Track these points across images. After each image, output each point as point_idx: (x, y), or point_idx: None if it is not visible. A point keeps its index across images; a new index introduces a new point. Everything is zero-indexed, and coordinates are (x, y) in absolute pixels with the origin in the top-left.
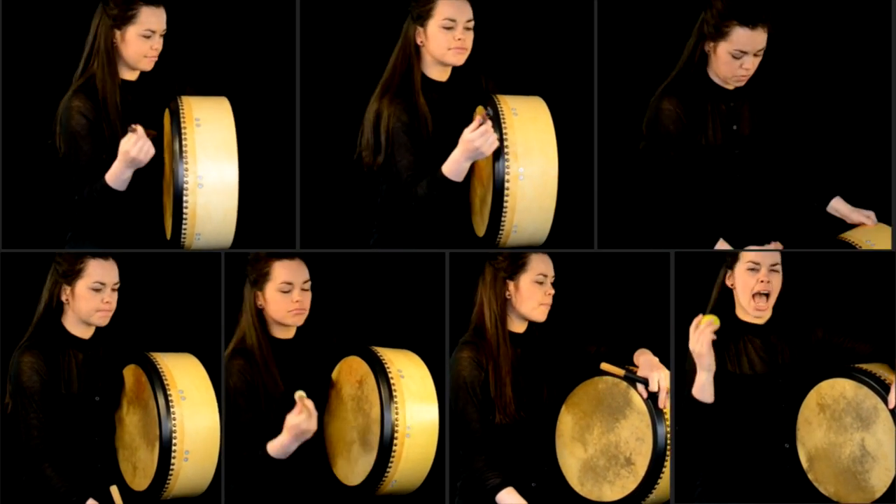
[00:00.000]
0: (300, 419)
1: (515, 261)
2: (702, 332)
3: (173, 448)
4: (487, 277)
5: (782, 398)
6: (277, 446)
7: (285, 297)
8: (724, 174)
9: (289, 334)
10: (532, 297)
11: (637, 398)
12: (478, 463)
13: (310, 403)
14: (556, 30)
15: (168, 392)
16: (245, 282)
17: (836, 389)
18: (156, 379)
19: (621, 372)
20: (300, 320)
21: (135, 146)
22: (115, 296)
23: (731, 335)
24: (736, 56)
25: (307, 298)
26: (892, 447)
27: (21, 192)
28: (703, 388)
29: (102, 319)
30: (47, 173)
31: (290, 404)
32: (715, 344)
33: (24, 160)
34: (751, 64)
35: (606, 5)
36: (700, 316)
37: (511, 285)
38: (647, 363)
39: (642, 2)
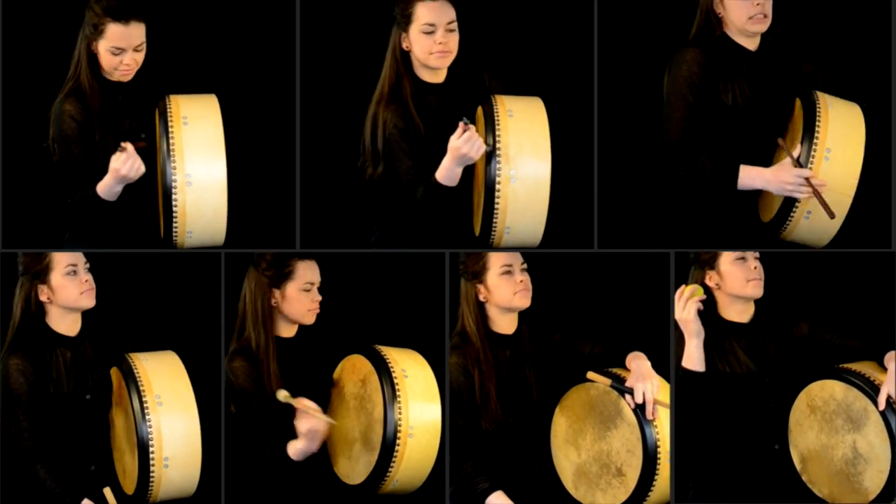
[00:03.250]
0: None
1: (477, 262)
2: (687, 301)
3: (151, 456)
4: (461, 285)
5: (771, 397)
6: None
7: (307, 295)
8: (748, 135)
9: (291, 333)
10: (502, 288)
11: (627, 408)
12: (466, 468)
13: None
14: (556, 30)
15: (144, 398)
16: (249, 279)
17: (826, 391)
18: (132, 384)
19: (607, 381)
20: (314, 319)
21: (125, 165)
22: (90, 275)
23: (717, 336)
24: None
25: (319, 299)
26: (885, 449)
27: (21, 193)
28: (693, 356)
29: (89, 299)
30: (46, 174)
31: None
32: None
33: (23, 161)
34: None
35: (606, 5)
36: (683, 287)
37: (482, 287)
38: (637, 371)
39: (642, 2)
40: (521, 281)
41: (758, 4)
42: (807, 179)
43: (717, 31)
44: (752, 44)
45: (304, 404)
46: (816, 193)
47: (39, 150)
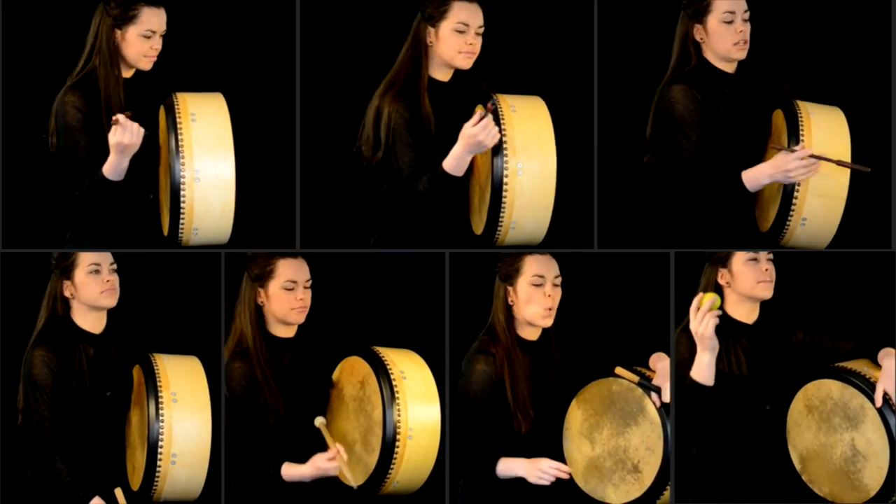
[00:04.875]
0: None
1: (512, 264)
2: (705, 315)
3: (160, 450)
4: (496, 282)
5: (768, 400)
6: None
7: (289, 294)
8: (732, 154)
9: (290, 333)
10: (530, 300)
11: (651, 407)
12: (478, 464)
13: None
14: (556, 30)
15: (160, 394)
16: (243, 279)
17: (823, 390)
18: (149, 380)
19: (635, 378)
20: (302, 318)
21: (124, 134)
22: (116, 276)
23: (721, 334)
24: (727, 20)
25: (308, 296)
26: (883, 445)
27: (21, 192)
28: (705, 370)
29: (109, 299)
30: (47, 173)
31: (290, 406)
32: None
33: (23, 160)
34: (743, 27)
35: (606, 5)
36: (700, 295)
37: (511, 291)
38: (664, 371)
39: (642, 2)
40: (549, 296)
41: (740, 31)
42: (811, 156)
43: (694, 59)
44: (730, 67)
45: (337, 448)
46: (833, 161)
47: (38, 142)
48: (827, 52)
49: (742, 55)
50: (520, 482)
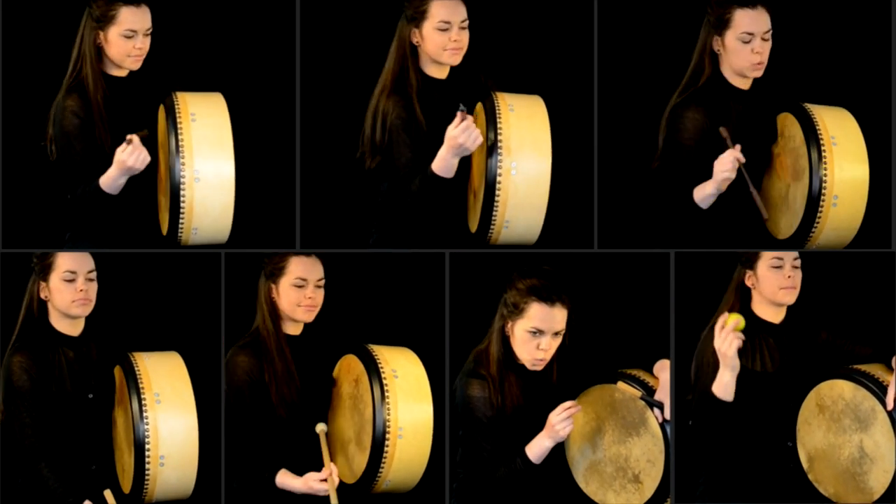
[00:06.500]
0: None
1: (518, 303)
2: (729, 333)
3: (147, 453)
4: (499, 307)
5: (790, 397)
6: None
7: (298, 291)
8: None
9: (297, 330)
10: (524, 345)
11: (653, 420)
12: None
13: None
14: (556, 30)
15: (142, 395)
16: (260, 274)
17: (835, 391)
18: (131, 381)
19: (638, 393)
20: (310, 317)
21: (131, 156)
22: (93, 285)
23: (748, 332)
24: (744, 40)
25: (319, 296)
26: (890, 449)
27: (20, 192)
28: (726, 387)
29: (81, 309)
30: (47, 173)
31: (301, 398)
32: None
33: (24, 160)
34: (761, 48)
35: (606, 5)
36: (726, 314)
37: (510, 326)
38: (666, 384)
39: (642, 1)
40: (543, 350)
41: (757, 52)
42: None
43: (708, 71)
44: (745, 84)
45: (331, 470)
46: (751, 185)
47: (37, 150)
48: (829, 53)
49: (757, 74)
50: (519, 484)
